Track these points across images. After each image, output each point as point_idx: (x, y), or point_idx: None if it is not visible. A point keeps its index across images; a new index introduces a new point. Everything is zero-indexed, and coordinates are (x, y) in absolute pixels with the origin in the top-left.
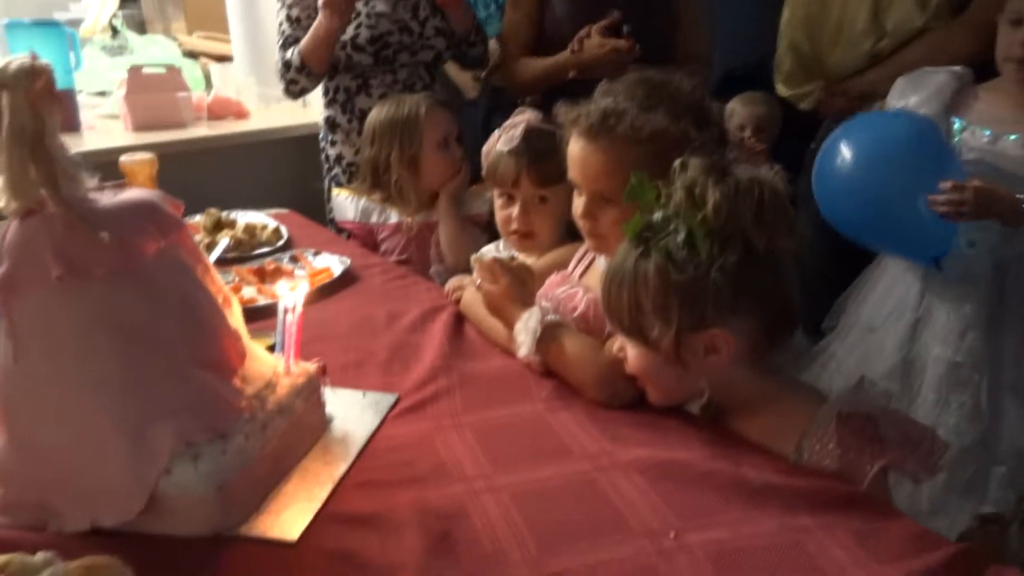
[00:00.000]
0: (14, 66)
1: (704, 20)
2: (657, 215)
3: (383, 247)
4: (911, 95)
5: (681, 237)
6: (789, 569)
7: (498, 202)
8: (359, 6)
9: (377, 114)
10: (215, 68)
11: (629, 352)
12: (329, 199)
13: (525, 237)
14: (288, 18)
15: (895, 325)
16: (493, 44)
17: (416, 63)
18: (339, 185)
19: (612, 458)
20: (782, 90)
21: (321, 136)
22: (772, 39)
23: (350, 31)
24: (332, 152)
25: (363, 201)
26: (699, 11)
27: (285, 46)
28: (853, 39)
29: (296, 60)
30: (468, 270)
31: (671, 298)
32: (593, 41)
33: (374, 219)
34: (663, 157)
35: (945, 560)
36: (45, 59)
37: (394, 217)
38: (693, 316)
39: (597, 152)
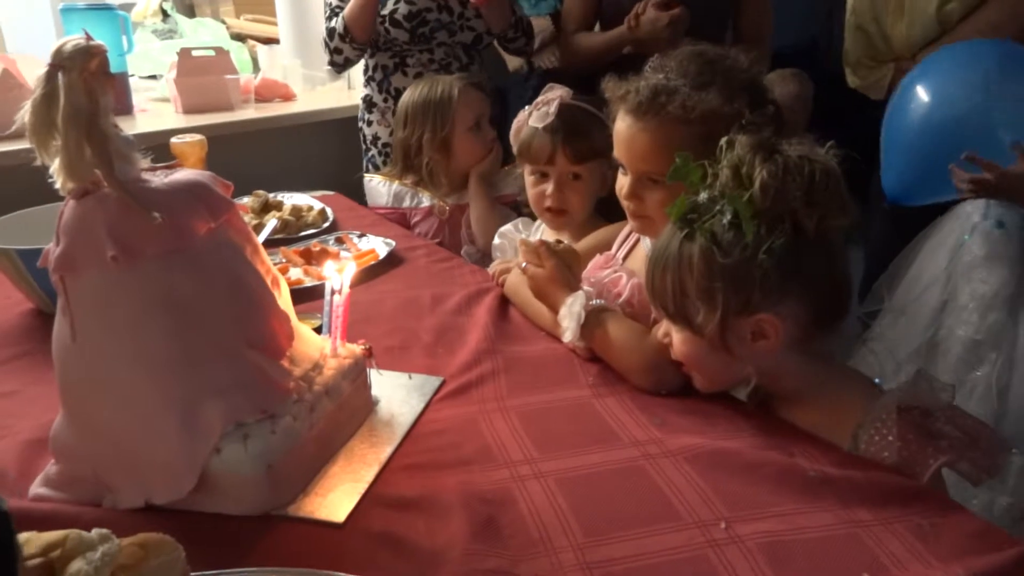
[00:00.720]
0: (69, 46)
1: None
2: (702, 196)
3: (416, 231)
4: None
5: (727, 219)
6: (846, 562)
7: (530, 179)
8: None
9: (410, 96)
10: (262, 51)
11: (674, 337)
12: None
13: (559, 214)
14: None
15: (924, 305)
16: (544, 22)
17: (454, 43)
18: (375, 167)
19: (660, 445)
20: (853, 81)
21: (359, 116)
22: (824, 19)
23: (389, 5)
24: (369, 132)
25: (395, 185)
26: None
27: (331, 17)
28: (917, 4)
29: (340, 27)
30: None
31: (716, 282)
32: (649, 15)
33: (407, 203)
34: (714, 138)
35: (1014, 560)
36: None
37: (426, 201)
38: (739, 300)
39: (645, 131)
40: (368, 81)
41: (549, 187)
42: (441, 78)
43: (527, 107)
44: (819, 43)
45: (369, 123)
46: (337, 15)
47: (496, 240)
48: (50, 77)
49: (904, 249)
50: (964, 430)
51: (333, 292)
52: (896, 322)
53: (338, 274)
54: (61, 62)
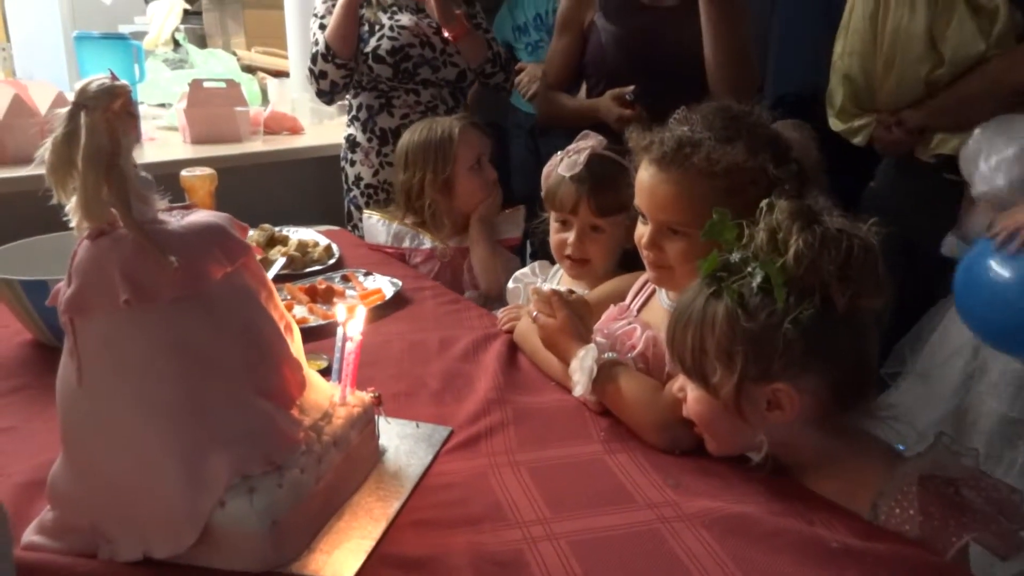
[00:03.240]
0: (94, 86)
1: (752, 55)
2: (735, 255)
3: (418, 271)
4: (1003, 146)
5: (757, 282)
6: None
7: (554, 225)
8: (383, 18)
9: (409, 138)
10: (272, 83)
11: (689, 395)
12: (350, 218)
13: (579, 263)
14: (321, 27)
15: (949, 372)
16: (536, 68)
17: (439, 81)
18: (357, 208)
19: (676, 508)
20: (835, 124)
21: (342, 156)
22: (826, 70)
23: (372, 42)
24: (351, 172)
25: (395, 225)
26: (746, 45)
27: (315, 45)
28: (908, 66)
29: (322, 46)
30: (502, 295)
31: (737, 345)
32: (604, 101)
33: (407, 244)
34: (737, 193)
35: None
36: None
37: (427, 243)
38: (758, 367)
39: (668, 182)
40: (352, 121)
41: (571, 236)
42: (440, 120)
43: (560, 152)
44: (818, 94)
45: (352, 163)
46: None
47: (511, 285)
48: (72, 116)
49: (929, 311)
50: (991, 498)
51: (345, 339)
52: (919, 386)
53: (351, 321)
54: (85, 101)
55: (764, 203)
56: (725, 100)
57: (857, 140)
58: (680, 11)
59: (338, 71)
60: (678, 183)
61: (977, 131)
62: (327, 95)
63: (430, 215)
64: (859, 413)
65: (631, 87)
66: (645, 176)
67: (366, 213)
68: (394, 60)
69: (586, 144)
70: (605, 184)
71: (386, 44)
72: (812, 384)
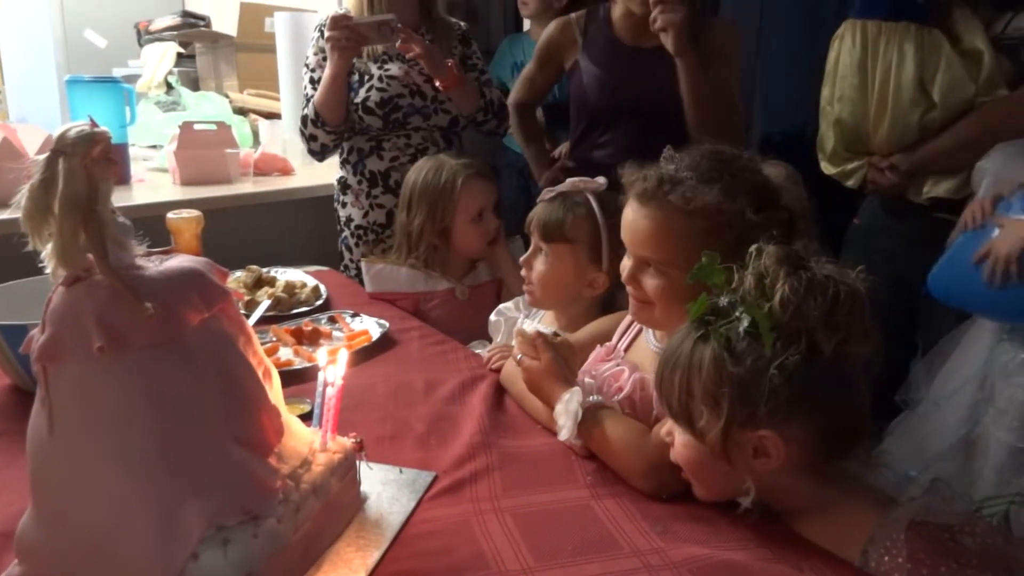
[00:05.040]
0: (73, 133)
1: (737, 100)
2: (723, 299)
3: (432, 316)
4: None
5: (743, 326)
6: None
7: None
8: (373, 69)
9: (415, 178)
10: (263, 124)
11: (677, 439)
12: (342, 259)
13: (528, 283)
14: (311, 81)
15: (959, 401)
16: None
17: (430, 127)
18: (348, 249)
19: (663, 556)
20: (827, 168)
21: (335, 197)
22: (812, 109)
23: (362, 93)
24: (343, 213)
25: (405, 270)
26: (730, 91)
27: (306, 105)
28: (900, 110)
29: (312, 113)
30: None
31: (723, 389)
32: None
33: (421, 287)
34: (714, 234)
35: None
36: (102, 120)
37: (443, 283)
38: (744, 412)
39: (646, 217)
40: (343, 163)
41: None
42: (447, 162)
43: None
44: (805, 133)
45: (344, 204)
46: (310, 101)
47: (492, 318)
48: (50, 163)
49: (942, 339)
50: (987, 545)
51: (326, 384)
52: (934, 413)
53: (332, 364)
54: (63, 148)
55: (753, 248)
56: (717, 143)
57: (850, 183)
58: (664, 52)
59: (328, 136)
60: (655, 219)
61: (996, 151)
62: (318, 155)
63: (431, 257)
64: (850, 459)
65: (569, 165)
66: (628, 211)
67: (365, 263)
68: (383, 112)
69: (589, 183)
70: (554, 209)
71: (375, 96)
72: (799, 431)
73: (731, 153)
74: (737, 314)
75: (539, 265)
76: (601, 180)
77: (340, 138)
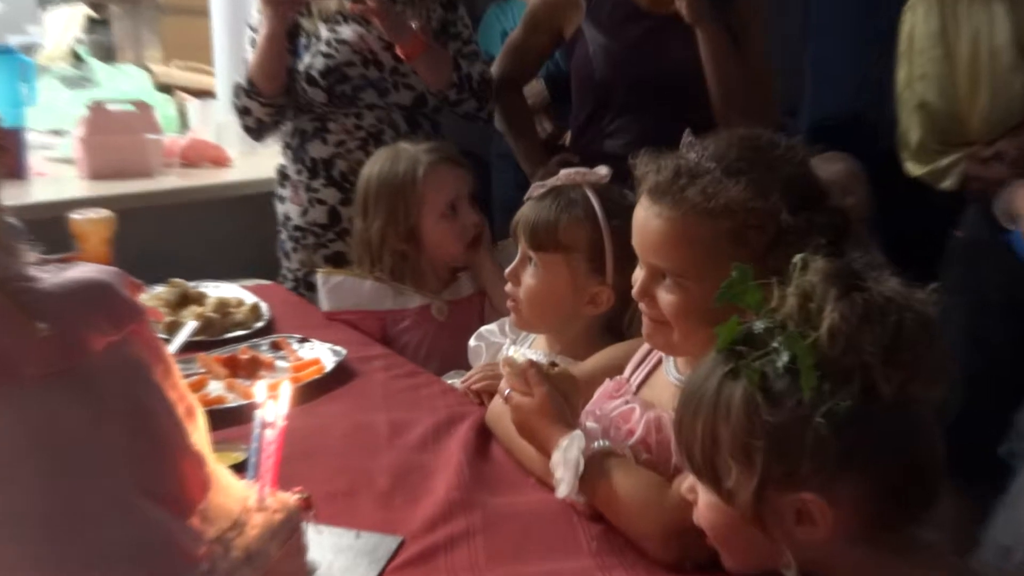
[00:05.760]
0: None
1: (768, 75)
2: (759, 324)
3: (404, 339)
4: None
5: (782, 362)
6: None
7: None
8: (323, 30)
9: (368, 173)
10: (193, 106)
11: (700, 499)
12: (279, 267)
13: (514, 305)
14: (252, 43)
15: None
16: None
17: (388, 105)
18: (285, 254)
19: None
20: (913, 169)
21: (275, 191)
22: (868, 87)
23: (306, 59)
24: (280, 210)
25: (369, 283)
26: (760, 63)
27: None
28: (999, 81)
29: (244, 80)
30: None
31: (757, 439)
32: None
33: (388, 305)
34: (741, 239)
35: None
36: None
37: (417, 300)
38: (782, 470)
39: (659, 217)
40: (285, 148)
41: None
42: (404, 150)
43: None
44: (861, 116)
45: (282, 199)
46: None
47: (472, 343)
48: None
49: None
50: None
51: (264, 425)
52: None
53: (272, 400)
54: None
55: (797, 259)
56: (751, 127)
57: (946, 184)
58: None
59: (263, 109)
60: (669, 219)
61: None
62: (254, 132)
63: (399, 267)
64: (921, 524)
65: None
66: (639, 210)
67: (321, 275)
68: (328, 83)
69: (584, 175)
70: (546, 213)
71: (319, 63)
72: (851, 494)
73: (768, 139)
74: (775, 344)
75: (528, 278)
76: (603, 171)
77: (279, 113)
